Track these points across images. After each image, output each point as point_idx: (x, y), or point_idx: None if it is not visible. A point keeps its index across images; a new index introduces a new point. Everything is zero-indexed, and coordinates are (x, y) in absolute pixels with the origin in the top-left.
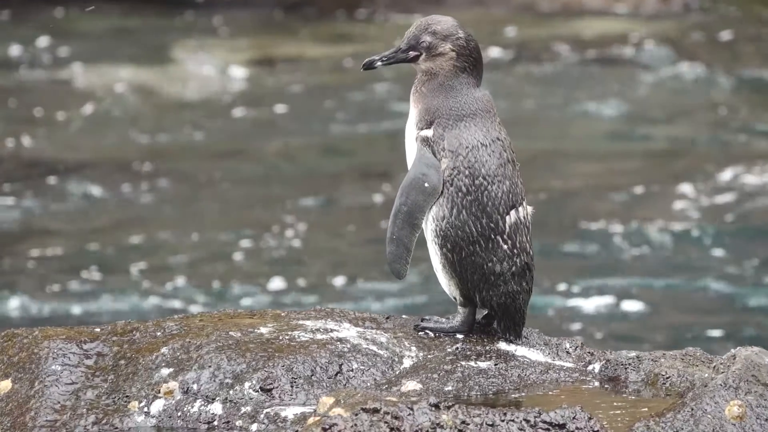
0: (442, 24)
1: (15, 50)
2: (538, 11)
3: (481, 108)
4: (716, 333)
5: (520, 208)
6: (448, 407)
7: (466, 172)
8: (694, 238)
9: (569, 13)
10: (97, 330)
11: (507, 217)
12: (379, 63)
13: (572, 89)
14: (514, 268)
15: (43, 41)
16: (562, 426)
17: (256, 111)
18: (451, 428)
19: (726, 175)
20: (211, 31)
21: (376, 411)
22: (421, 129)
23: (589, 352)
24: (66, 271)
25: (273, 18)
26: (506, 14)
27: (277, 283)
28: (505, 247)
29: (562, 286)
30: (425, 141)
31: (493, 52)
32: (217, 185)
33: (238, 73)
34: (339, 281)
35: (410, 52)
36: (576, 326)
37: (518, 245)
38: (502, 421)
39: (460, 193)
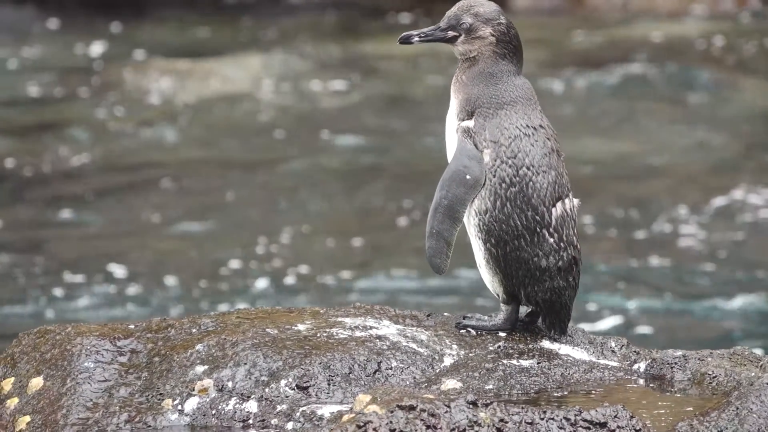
0: (485, 7)
1: (68, 58)
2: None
3: (522, 95)
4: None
5: (567, 200)
6: (486, 405)
7: (510, 163)
8: (745, 237)
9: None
10: (132, 327)
11: (553, 210)
12: (417, 39)
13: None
14: (560, 263)
15: (96, 50)
16: (603, 425)
17: (302, 117)
18: (489, 426)
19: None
20: (264, 38)
21: (412, 408)
22: (462, 120)
23: (634, 351)
24: (96, 274)
25: (327, 22)
26: (573, 20)
27: (314, 282)
28: (552, 240)
29: (610, 284)
30: (466, 132)
31: (566, 60)
32: (250, 191)
33: (288, 80)
34: (379, 278)
35: (449, 32)
36: (622, 325)
37: (565, 238)
38: (542, 419)
39: (503, 185)
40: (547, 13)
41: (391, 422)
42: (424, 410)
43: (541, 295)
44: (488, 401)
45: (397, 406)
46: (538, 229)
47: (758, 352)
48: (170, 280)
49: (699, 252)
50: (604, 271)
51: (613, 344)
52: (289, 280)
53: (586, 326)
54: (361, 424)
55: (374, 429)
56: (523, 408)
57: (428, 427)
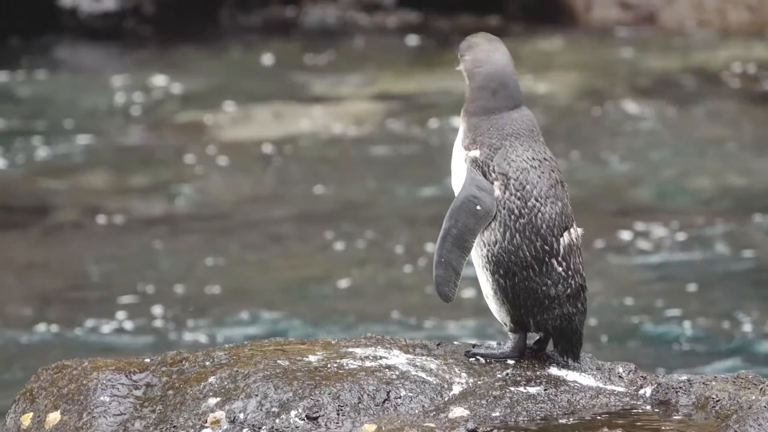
0: (467, 43)
1: (132, 92)
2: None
3: (524, 128)
4: None
5: (572, 230)
6: None
7: (518, 195)
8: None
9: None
10: (147, 361)
11: (561, 239)
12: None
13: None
14: (569, 291)
15: (160, 82)
16: None
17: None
18: None
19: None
20: (344, 63)
21: None
22: (469, 149)
23: (641, 377)
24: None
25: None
26: (645, 39)
27: (326, 315)
28: (560, 269)
29: (622, 309)
30: (474, 162)
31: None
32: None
33: (369, 110)
34: (390, 308)
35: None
36: (636, 350)
37: (572, 267)
38: None
39: (512, 216)
40: (619, 30)
41: None
42: None
43: (551, 323)
44: (489, 428)
45: None
46: (546, 259)
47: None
48: (198, 312)
49: (718, 273)
50: (614, 292)
51: (620, 370)
52: (311, 311)
53: (596, 352)
54: None
55: None
56: None
57: None
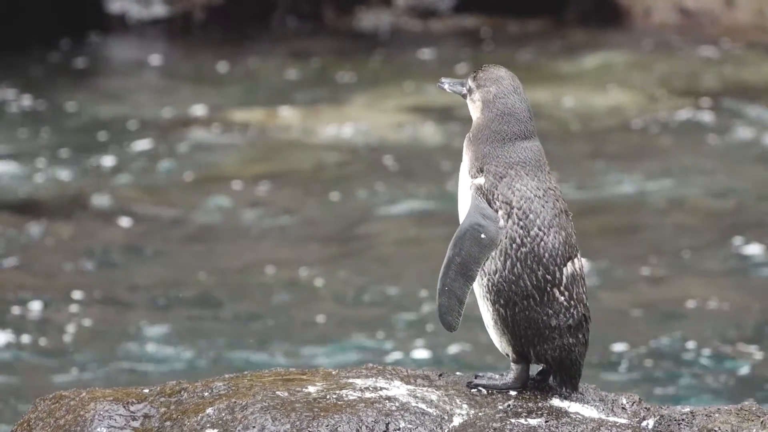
0: (486, 73)
1: (177, 98)
2: None
3: (531, 157)
4: None
5: (576, 260)
6: None
7: (521, 224)
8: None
9: None
10: (146, 391)
11: (564, 269)
12: (445, 85)
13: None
14: (570, 321)
15: (205, 89)
16: None
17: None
18: None
19: None
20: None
21: None
22: (474, 177)
23: (645, 408)
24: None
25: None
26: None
27: (330, 343)
28: (562, 299)
29: (631, 338)
30: (479, 190)
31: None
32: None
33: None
34: (392, 337)
35: (463, 90)
36: (642, 380)
37: (575, 297)
38: None
39: (514, 245)
40: (676, 36)
41: None
42: None
43: (550, 353)
44: None
45: None
46: (548, 289)
47: None
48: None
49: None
50: (623, 320)
51: (624, 401)
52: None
53: (607, 375)
54: None
55: None
56: None
57: None
